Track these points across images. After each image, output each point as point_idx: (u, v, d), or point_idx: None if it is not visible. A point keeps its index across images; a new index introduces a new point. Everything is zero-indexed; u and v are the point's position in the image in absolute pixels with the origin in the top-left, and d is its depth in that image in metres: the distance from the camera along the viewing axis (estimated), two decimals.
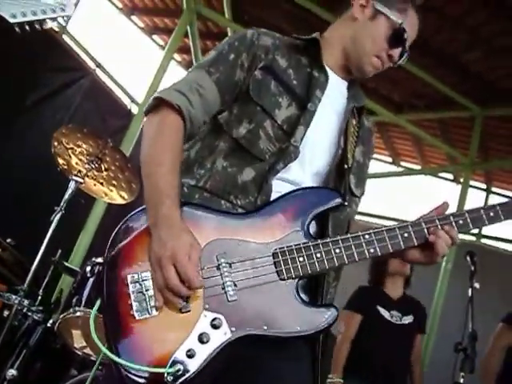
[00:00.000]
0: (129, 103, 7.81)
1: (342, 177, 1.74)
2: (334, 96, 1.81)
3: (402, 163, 10.77)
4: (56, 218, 3.37)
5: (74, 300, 3.24)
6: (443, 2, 6.27)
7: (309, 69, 1.79)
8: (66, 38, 7.17)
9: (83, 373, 3.21)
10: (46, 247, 3.42)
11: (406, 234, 1.62)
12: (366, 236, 1.60)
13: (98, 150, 3.59)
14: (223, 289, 1.48)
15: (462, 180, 9.05)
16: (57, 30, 6.92)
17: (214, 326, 1.44)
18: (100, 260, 3.27)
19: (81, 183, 3.52)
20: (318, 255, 1.55)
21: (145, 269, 1.47)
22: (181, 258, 1.41)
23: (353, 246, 1.58)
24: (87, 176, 3.59)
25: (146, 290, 1.44)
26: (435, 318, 6.75)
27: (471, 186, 8.86)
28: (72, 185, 3.47)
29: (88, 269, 3.29)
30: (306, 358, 1.67)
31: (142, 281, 1.45)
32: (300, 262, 1.54)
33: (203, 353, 1.42)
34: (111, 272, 1.48)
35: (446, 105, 8.29)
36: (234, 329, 1.45)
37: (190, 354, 1.40)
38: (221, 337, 1.44)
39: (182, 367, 1.39)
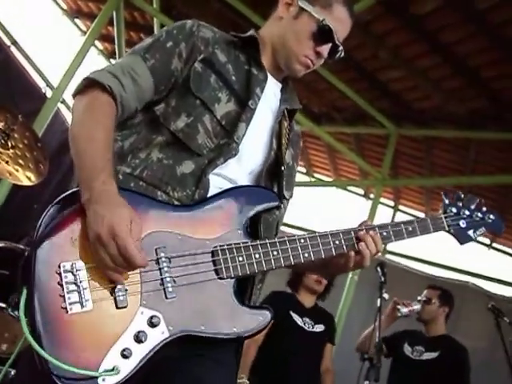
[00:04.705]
0: (44, 87, 7.41)
1: (275, 178, 1.76)
2: (270, 96, 1.81)
3: (316, 175, 10.93)
4: None
5: None
6: (367, 19, 6.41)
7: (247, 66, 1.78)
8: None
9: None
10: None
11: (337, 242, 1.66)
12: (302, 240, 1.62)
13: (6, 125, 3.31)
14: (162, 285, 1.40)
15: (372, 196, 9.28)
16: None
17: (152, 324, 1.35)
18: (2, 244, 3.03)
19: None
20: (257, 256, 1.54)
21: (79, 257, 1.33)
22: (120, 232, 1.29)
23: (289, 249, 1.59)
24: None
25: (80, 282, 1.31)
26: (339, 328, 6.84)
27: (380, 203, 9.08)
28: None
29: None
30: (230, 361, 1.62)
31: (76, 271, 1.31)
32: (239, 261, 1.52)
33: (139, 353, 1.31)
34: (40, 259, 1.31)
35: (363, 120, 8.49)
36: (171, 328, 1.37)
37: (126, 354, 1.29)
38: (158, 336, 1.35)
39: (115, 369, 1.27)
